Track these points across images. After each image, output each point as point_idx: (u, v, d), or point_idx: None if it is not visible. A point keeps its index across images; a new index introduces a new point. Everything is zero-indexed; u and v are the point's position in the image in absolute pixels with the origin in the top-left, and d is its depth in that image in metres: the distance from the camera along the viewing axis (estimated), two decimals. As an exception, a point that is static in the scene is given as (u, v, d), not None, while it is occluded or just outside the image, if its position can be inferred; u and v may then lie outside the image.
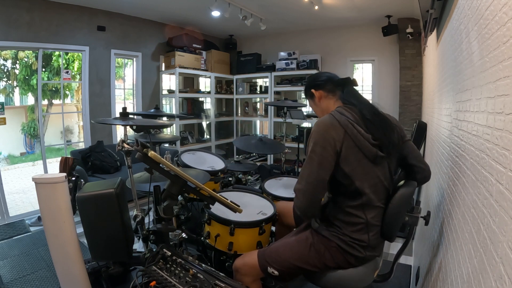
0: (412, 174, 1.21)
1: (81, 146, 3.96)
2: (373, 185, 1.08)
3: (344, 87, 1.21)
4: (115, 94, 4.22)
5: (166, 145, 4.23)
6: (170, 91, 4.65)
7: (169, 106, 5.05)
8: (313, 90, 1.26)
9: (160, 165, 1.11)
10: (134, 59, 4.48)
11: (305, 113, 3.53)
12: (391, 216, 1.13)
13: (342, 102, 1.19)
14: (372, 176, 1.08)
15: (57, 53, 6.67)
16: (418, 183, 1.26)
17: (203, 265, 1.02)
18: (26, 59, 7.18)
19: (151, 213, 1.57)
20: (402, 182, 1.18)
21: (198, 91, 4.99)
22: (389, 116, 1.20)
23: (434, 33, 2.45)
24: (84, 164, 3.45)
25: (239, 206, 1.21)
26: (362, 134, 1.05)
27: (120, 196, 1.24)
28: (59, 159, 1.69)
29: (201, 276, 0.95)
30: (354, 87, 1.23)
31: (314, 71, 4.58)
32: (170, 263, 1.02)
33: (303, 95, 5.53)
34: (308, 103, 1.36)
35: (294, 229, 1.55)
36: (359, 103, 1.14)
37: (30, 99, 8.02)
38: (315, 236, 1.19)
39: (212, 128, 5.13)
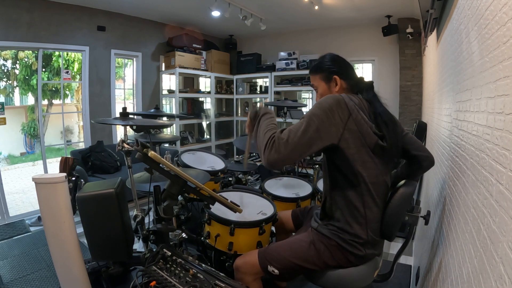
0: (417, 163, 1.23)
1: (81, 146, 3.96)
2: (372, 175, 1.08)
3: (360, 89, 1.20)
4: (115, 94, 4.22)
5: (166, 145, 4.23)
6: (170, 91, 4.65)
7: (169, 106, 5.05)
8: (337, 77, 1.19)
9: (160, 165, 1.11)
10: (134, 59, 4.48)
11: (305, 113, 3.53)
12: (391, 215, 1.13)
13: None
14: (371, 166, 1.07)
15: (57, 53, 6.67)
16: (425, 170, 1.28)
17: (203, 265, 1.02)
18: (26, 59, 7.18)
19: (151, 213, 1.57)
20: (402, 182, 1.19)
21: (198, 91, 4.99)
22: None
23: (434, 33, 2.45)
24: (84, 164, 3.45)
25: (239, 206, 1.21)
26: (365, 121, 1.04)
27: (120, 196, 1.24)
28: (59, 159, 1.69)
29: (201, 276, 0.95)
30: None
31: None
32: (170, 263, 1.01)
33: (303, 95, 5.55)
34: (318, 84, 1.24)
35: (293, 233, 1.56)
36: (379, 109, 1.12)
37: (30, 99, 8.02)
38: (315, 234, 1.19)
39: (212, 128, 5.13)
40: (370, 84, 1.21)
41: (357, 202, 1.10)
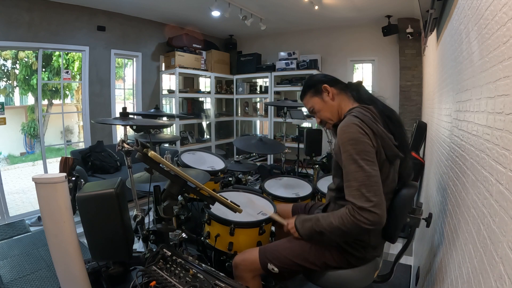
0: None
1: (81, 146, 3.96)
2: (385, 185, 1.06)
3: (356, 88, 1.20)
4: (115, 94, 4.22)
5: (166, 145, 4.23)
6: (170, 91, 4.65)
7: (169, 106, 5.05)
8: (326, 86, 1.19)
9: (160, 165, 1.11)
10: (134, 59, 4.48)
11: (305, 113, 3.53)
12: (393, 217, 1.12)
13: (357, 102, 1.18)
14: (387, 176, 1.07)
15: (57, 53, 6.67)
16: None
17: (203, 265, 1.02)
18: (26, 59, 7.18)
19: (151, 213, 1.57)
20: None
21: (198, 91, 4.99)
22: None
23: (434, 33, 2.45)
24: (84, 164, 3.45)
25: (239, 206, 1.21)
26: (386, 134, 1.03)
27: (120, 196, 1.24)
28: (59, 159, 1.69)
29: (201, 276, 0.95)
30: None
31: (314, 71, 4.58)
32: (170, 263, 1.01)
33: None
34: (312, 103, 1.23)
35: None
36: (380, 104, 1.13)
37: (30, 99, 8.03)
38: (316, 235, 1.19)
39: (212, 128, 5.13)
40: (359, 83, 1.22)
41: None
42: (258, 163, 4.35)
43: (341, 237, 1.04)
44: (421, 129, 2.79)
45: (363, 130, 0.99)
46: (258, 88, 5.41)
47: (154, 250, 1.11)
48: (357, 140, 0.98)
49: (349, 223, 0.95)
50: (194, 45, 4.84)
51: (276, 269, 1.16)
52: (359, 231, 0.96)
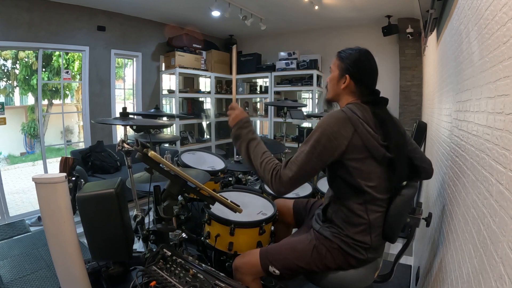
0: (417, 174, 1.25)
1: (81, 146, 3.96)
2: (376, 184, 1.07)
3: (377, 103, 1.13)
4: (115, 94, 4.22)
5: (166, 145, 4.23)
6: (170, 91, 4.65)
7: (169, 106, 5.05)
8: (348, 76, 1.12)
9: (160, 165, 1.11)
10: (134, 59, 4.48)
11: (305, 113, 3.53)
12: (393, 217, 1.12)
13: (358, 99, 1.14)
14: (376, 176, 1.07)
15: (57, 53, 6.67)
16: (421, 180, 1.30)
17: (203, 265, 1.02)
18: (26, 59, 7.19)
19: (151, 213, 1.57)
20: (403, 184, 1.18)
21: (198, 91, 4.99)
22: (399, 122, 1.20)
23: (434, 33, 2.45)
24: (84, 164, 3.45)
25: (239, 206, 1.21)
26: (371, 134, 1.04)
27: (120, 196, 1.24)
28: (59, 159, 1.70)
29: (201, 276, 0.95)
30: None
31: (314, 71, 4.58)
32: (170, 263, 1.01)
33: (303, 95, 5.55)
34: (334, 69, 1.19)
35: (294, 229, 1.56)
36: (392, 125, 1.10)
37: (30, 99, 8.03)
38: (317, 237, 1.19)
39: (212, 128, 5.13)
40: (385, 101, 1.15)
41: (361, 211, 1.09)
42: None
43: (251, 166, 1.15)
44: (421, 129, 2.79)
45: (340, 127, 1.03)
46: (258, 88, 5.41)
47: (154, 250, 1.11)
48: (325, 134, 1.03)
49: (267, 170, 1.07)
50: (194, 45, 4.84)
51: (277, 271, 1.16)
52: (266, 180, 1.09)
